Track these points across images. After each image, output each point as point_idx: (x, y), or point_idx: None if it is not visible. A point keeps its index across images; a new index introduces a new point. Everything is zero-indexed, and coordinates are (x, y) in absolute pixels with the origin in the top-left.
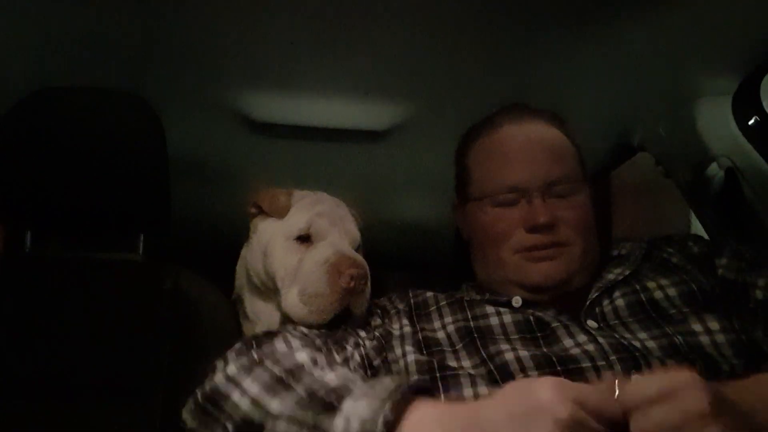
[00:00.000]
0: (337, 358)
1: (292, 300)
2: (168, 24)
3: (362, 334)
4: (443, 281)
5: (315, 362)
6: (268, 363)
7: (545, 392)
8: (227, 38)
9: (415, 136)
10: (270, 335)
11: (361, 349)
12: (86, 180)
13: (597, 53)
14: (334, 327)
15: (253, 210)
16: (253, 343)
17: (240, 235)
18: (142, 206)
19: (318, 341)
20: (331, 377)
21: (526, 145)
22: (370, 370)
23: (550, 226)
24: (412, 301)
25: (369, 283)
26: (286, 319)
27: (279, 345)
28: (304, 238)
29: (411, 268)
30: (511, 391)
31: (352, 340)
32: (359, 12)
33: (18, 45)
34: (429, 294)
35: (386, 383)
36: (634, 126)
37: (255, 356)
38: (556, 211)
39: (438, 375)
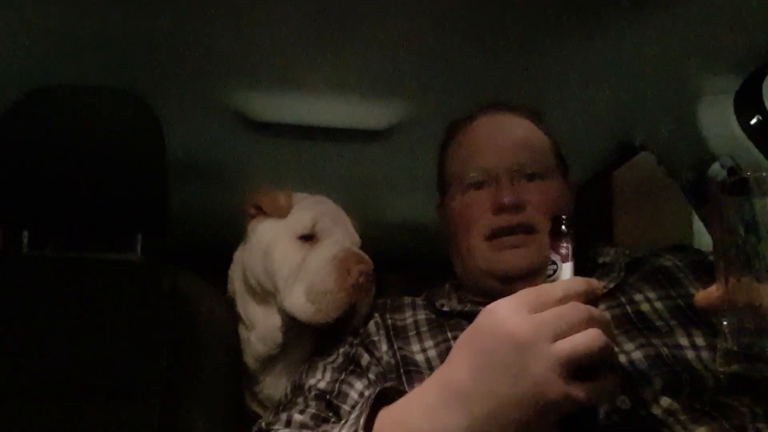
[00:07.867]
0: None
1: (297, 299)
2: (167, 23)
3: (357, 385)
4: (442, 281)
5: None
6: None
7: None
8: (226, 37)
9: (415, 136)
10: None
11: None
12: (84, 180)
13: (598, 53)
14: (338, 327)
15: (252, 211)
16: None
17: (238, 236)
18: (140, 206)
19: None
20: None
21: (495, 133)
22: None
23: (516, 206)
24: (389, 322)
25: (374, 282)
26: (289, 320)
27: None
28: (308, 237)
29: (410, 268)
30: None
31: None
32: (359, 11)
33: (16, 44)
34: (408, 315)
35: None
36: (635, 126)
37: None
38: (523, 194)
39: None
